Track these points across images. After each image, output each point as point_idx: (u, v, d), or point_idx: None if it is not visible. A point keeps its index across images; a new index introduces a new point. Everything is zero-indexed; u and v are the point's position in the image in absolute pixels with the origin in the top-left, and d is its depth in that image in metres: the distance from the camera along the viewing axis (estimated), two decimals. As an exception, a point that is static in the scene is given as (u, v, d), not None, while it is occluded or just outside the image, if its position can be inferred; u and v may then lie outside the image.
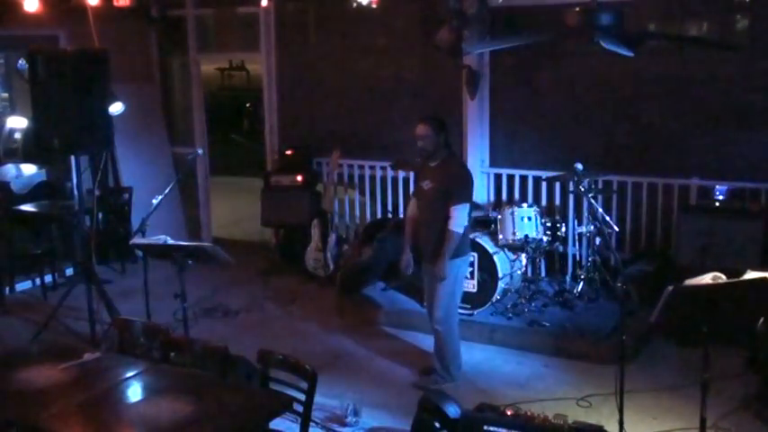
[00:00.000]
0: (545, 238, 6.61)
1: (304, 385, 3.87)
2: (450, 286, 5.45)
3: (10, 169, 8.12)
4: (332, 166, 8.05)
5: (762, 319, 5.14)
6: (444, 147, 5.40)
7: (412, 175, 6.01)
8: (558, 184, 7.27)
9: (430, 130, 5.33)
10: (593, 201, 6.44)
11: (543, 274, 7.31)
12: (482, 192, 7.69)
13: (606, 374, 5.25)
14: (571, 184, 6.64)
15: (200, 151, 7.76)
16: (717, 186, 6.58)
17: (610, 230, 6.62)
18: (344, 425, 5.08)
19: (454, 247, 5.33)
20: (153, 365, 4.13)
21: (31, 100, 6.25)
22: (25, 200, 7.83)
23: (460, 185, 5.38)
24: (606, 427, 4.21)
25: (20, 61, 8.19)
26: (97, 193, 7.78)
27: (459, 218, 5.31)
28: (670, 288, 3.77)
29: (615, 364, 4.54)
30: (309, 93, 8.70)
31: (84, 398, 3.71)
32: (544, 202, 7.32)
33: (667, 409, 5.20)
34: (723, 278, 3.84)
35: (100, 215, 8.07)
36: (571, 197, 7.06)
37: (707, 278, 3.85)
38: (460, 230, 5.33)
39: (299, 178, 8.20)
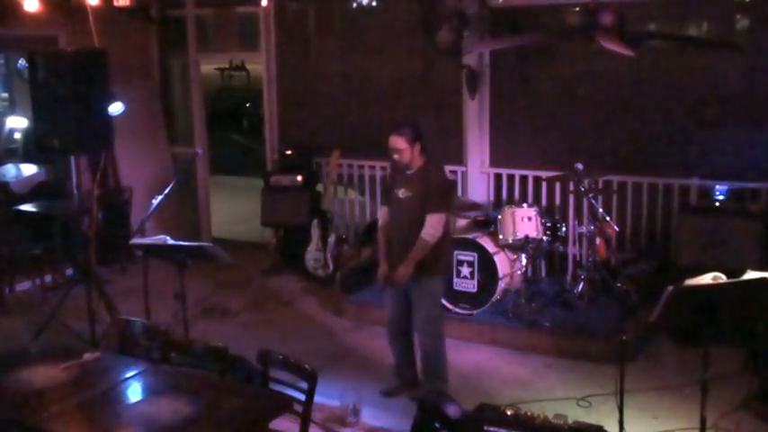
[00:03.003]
0: (545, 238, 6.60)
1: (304, 385, 3.87)
2: (431, 305, 5.31)
3: (10, 169, 8.12)
4: (332, 167, 8.05)
5: (762, 319, 5.15)
6: (421, 155, 5.18)
7: (386, 182, 5.59)
8: (558, 184, 7.27)
9: (404, 143, 5.08)
10: (593, 201, 6.44)
11: (543, 274, 7.30)
12: (482, 192, 7.70)
13: (606, 374, 5.24)
14: (571, 184, 6.64)
15: (199, 151, 7.77)
16: (717, 186, 6.59)
17: (610, 230, 6.61)
18: (344, 425, 5.08)
19: (421, 256, 5.10)
20: (153, 365, 4.13)
21: (31, 100, 6.24)
22: (25, 200, 7.82)
23: (438, 195, 5.14)
24: (606, 427, 4.20)
25: (20, 61, 8.19)
26: (97, 193, 7.79)
27: (433, 227, 5.09)
28: (670, 288, 3.78)
29: (615, 364, 4.54)
30: (309, 93, 8.70)
31: (84, 398, 3.70)
32: (544, 202, 7.32)
33: (667, 408, 5.20)
34: (723, 278, 3.84)
35: (100, 215, 8.07)
36: (571, 197, 7.06)
37: (707, 278, 3.85)
38: (431, 240, 5.08)
39: (299, 178, 8.20)
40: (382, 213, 5.44)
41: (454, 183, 7.59)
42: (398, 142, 5.11)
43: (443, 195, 5.23)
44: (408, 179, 5.21)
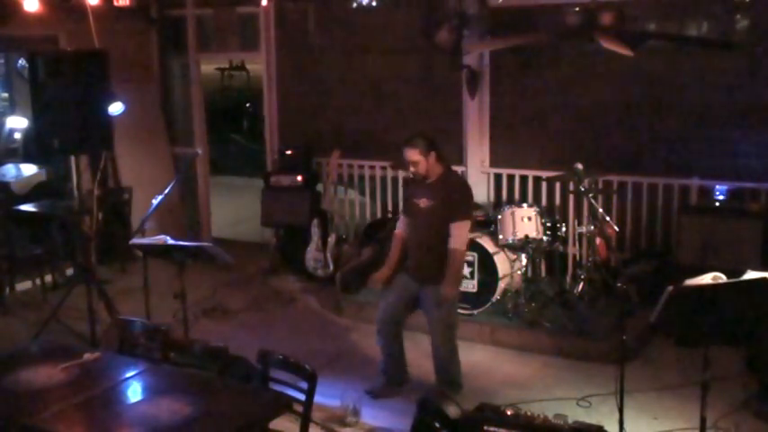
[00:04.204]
0: (545, 238, 6.60)
1: (304, 385, 3.87)
2: (449, 311, 5.30)
3: (10, 169, 8.12)
4: (332, 167, 8.05)
5: (762, 319, 5.15)
6: (438, 163, 5.18)
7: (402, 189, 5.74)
8: (558, 184, 7.27)
9: (418, 154, 5.08)
10: (593, 201, 6.44)
11: (543, 274, 7.30)
12: (482, 192, 7.70)
13: (606, 374, 5.25)
14: (571, 184, 6.64)
15: (199, 151, 7.76)
16: (717, 186, 6.58)
17: (610, 231, 6.61)
18: (344, 425, 5.08)
19: (460, 267, 5.22)
20: (153, 365, 4.13)
21: (31, 100, 6.24)
22: (25, 200, 7.82)
23: (462, 203, 5.20)
24: (606, 427, 4.20)
25: (20, 61, 8.19)
26: (97, 193, 7.78)
27: (462, 235, 5.14)
28: (670, 288, 3.78)
29: (615, 364, 4.54)
30: (309, 93, 8.70)
31: (84, 398, 3.70)
32: (544, 202, 7.32)
33: (667, 408, 5.21)
34: (723, 278, 3.84)
35: (100, 215, 8.07)
36: (571, 197, 7.06)
37: (707, 278, 3.85)
38: (463, 248, 5.17)
39: (299, 178, 8.20)
40: (400, 222, 5.46)
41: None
42: (412, 154, 5.10)
43: (466, 203, 5.25)
44: (429, 188, 5.20)
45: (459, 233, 5.12)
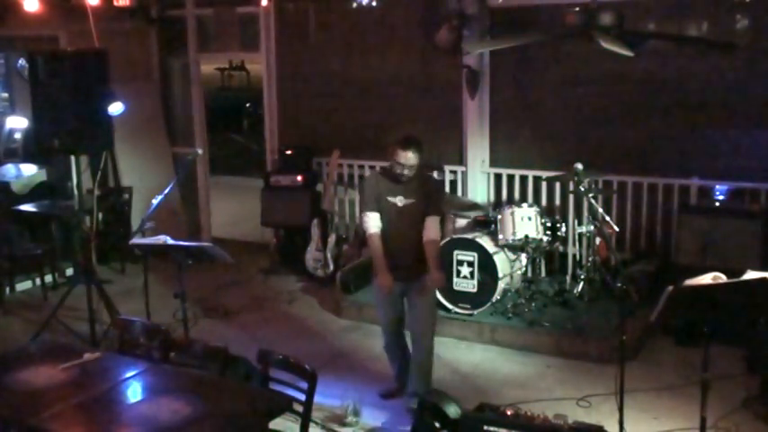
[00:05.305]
0: (545, 238, 6.60)
1: (304, 385, 3.87)
2: (432, 300, 5.35)
3: (10, 169, 8.12)
4: (332, 167, 8.05)
5: (763, 319, 5.15)
6: None
7: (368, 188, 5.33)
8: (558, 184, 7.27)
9: (417, 159, 5.06)
10: (593, 201, 6.44)
11: (543, 274, 7.30)
12: (482, 192, 7.70)
13: (606, 374, 5.25)
14: (571, 184, 6.64)
15: (199, 151, 7.76)
16: (717, 186, 6.59)
17: (610, 230, 6.61)
18: (344, 425, 5.09)
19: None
20: (153, 365, 4.13)
21: (31, 100, 6.24)
22: (25, 200, 7.83)
23: (438, 199, 5.33)
24: (606, 427, 4.21)
25: (20, 61, 8.18)
26: (97, 193, 7.79)
27: (437, 227, 5.20)
28: (670, 288, 3.78)
29: (615, 364, 4.54)
30: (309, 93, 8.70)
31: (84, 398, 3.71)
32: (544, 202, 7.32)
33: (667, 408, 5.21)
34: (723, 278, 3.84)
35: (100, 215, 8.07)
36: (571, 197, 7.06)
37: (707, 278, 3.85)
38: (440, 237, 5.27)
39: (299, 178, 8.20)
40: (374, 220, 5.21)
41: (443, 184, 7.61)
42: (413, 159, 5.05)
43: (441, 199, 5.38)
44: (406, 186, 5.15)
45: (434, 225, 5.15)
